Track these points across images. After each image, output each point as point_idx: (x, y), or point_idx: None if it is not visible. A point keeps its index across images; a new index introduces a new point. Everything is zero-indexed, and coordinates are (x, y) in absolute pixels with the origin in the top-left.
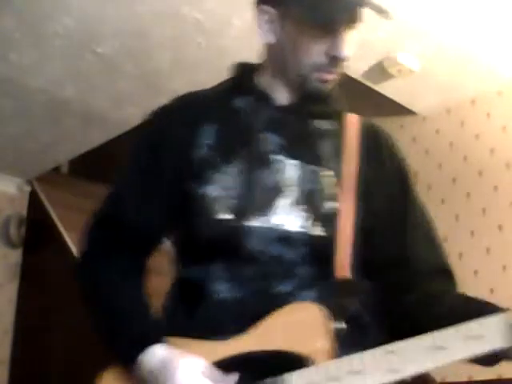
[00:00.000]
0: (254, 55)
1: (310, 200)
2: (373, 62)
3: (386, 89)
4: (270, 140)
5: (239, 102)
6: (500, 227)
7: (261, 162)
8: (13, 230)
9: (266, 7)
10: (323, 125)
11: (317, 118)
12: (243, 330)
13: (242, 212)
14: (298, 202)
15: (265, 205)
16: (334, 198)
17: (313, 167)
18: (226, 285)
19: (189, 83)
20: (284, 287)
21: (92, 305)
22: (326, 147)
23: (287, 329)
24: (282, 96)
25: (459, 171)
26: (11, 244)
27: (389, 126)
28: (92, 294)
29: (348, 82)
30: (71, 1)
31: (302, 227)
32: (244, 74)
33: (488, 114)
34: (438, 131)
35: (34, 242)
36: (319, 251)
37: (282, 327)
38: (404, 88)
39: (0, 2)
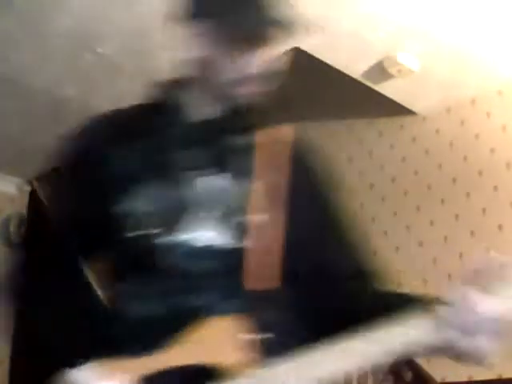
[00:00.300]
0: None
1: (228, 214)
2: (373, 61)
3: (386, 89)
4: (189, 156)
5: (158, 120)
6: (500, 227)
7: (178, 178)
8: (13, 230)
9: (194, 21)
10: (243, 139)
11: (237, 133)
12: (163, 346)
13: (157, 228)
14: (214, 216)
15: (180, 220)
16: (250, 212)
17: (230, 181)
18: (143, 302)
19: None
20: (201, 301)
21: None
22: (245, 162)
23: (205, 342)
24: (201, 111)
25: (459, 171)
26: (11, 244)
27: (389, 126)
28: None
29: (348, 82)
30: (71, 1)
31: (220, 241)
32: (165, 91)
33: (488, 114)
34: (438, 131)
35: (33, 242)
36: (236, 264)
37: (200, 340)
38: (404, 88)
39: (0, 2)
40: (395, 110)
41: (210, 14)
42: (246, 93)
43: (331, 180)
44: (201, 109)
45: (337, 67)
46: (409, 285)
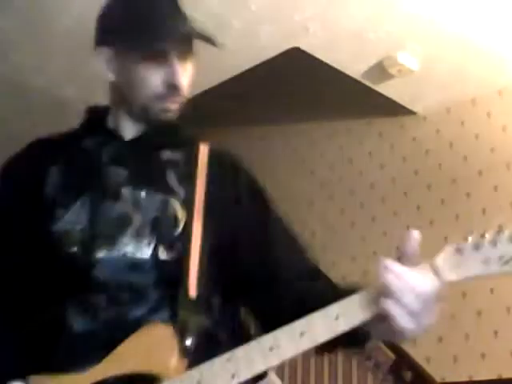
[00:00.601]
0: (253, 55)
1: (157, 227)
2: (373, 61)
3: (386, 89)
4: (116, 173)
5: (88, 142)
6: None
7: (107, 194)
8: None
9: (101, 48)
10: (170, 155)
11: (164, 149)
12: (102, 357)
13: (88, 244)
14: (144, 231)
15: (112, 235)
16: (179, 225)
17: (159, 196)
18: (80, 318)
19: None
20: (136, 312)
21: None
22: (173, 176)
23: (138, 351)
24: (129, 131)
25: (459, 171)
26: None
27: (389, 126)
28: None
29: (348, 82)
30: (71, 1)
31: (149, 254)
32: (93, 115)
33: (488, 114)
34: (438, 131)
35: None
36: (167, 275)
37: (134, 350)
38: (404, 88)
39: (0, 2)
40: (395, 110)
41: (110, 39)
42: (167, 107)
43: (260, 187)
44: (128, 129)
45: (337, 67)
46: None
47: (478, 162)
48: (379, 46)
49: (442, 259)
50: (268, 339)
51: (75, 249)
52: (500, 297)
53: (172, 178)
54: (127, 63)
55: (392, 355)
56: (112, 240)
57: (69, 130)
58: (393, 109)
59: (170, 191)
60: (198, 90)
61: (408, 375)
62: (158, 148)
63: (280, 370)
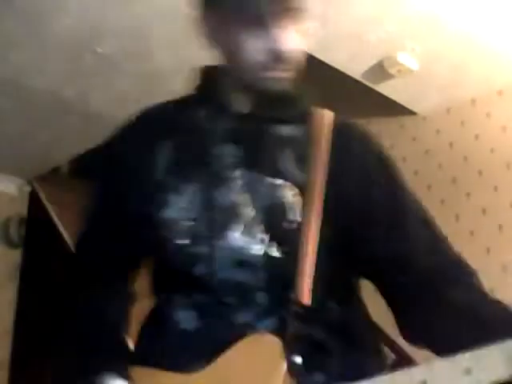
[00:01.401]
0: None
1: (269, 218)
2: (373, 61)
3: (386, 89)
4: (228, 153)
5: (200, 114)
6: (500, 227)
7: (217, 179)
8: (13, 230)
9: (205, 15)
10: (289, 130)
11: (279, 123)
12: (204, 361)
13: (198, 236)
14: (256, 224)
15: (223, 228)
16: (295, 215)
17: (273, 180)
18: (187, 314)
19: (188, 83)
20: (243, 316)
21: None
22: (291, 156)
23: (242, 365)
24: (241, 103)
25: (459, 171)
26: (11, 244)
27: (389, 126)
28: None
29: (348, 82)
30: (71, 1)
31: (260, 249)
32: (206, 80)
33: (488, 114)
34: (438, 131)
35: (33, 242)
36: (279, 275)
37: (237, 363)
38: (404, 88)
39: (0, 2)
40: (395, 109)
41: (213, 4)
42: (275, 76)
43: (391, 163)
44: (241, 101)
45: (337, 67)
46: None
47: (478, 162)
48: (379, 46)
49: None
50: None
51: (186, 241)
52: (500, 297)
53: (290, 159)
54: (230, 30)
55: (392, 355)
56: (223, 232)
57: (178, 98)
58: (393, 109)
59: (286, 175)
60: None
61: None
62: (275, 123)
63: None
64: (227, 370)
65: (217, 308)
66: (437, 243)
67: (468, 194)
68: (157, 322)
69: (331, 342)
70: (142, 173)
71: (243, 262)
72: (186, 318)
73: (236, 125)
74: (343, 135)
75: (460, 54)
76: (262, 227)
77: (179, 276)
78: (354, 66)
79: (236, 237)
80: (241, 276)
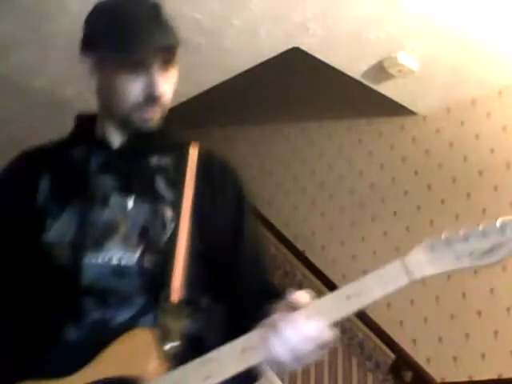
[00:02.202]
0: (253, 55)
1: (145, 235)
2: (373, 62)
3: (386, 89)
4: (105, 182)
5: (76, 152)
6: None
7: (94, 202)
8: None
9: (83, 57)
10: (158, 160)
11: (153, 154)
12: (84, 362)
13: (76, 251)
14: (132, 238)
15: (99, 241)
16: (167, 231)
17: (148, 204)
18: (70, 323)
19: (188, 83)
20: (122, 316)
21: None
22: (161, 182)
23: (121, 355)
24: (116, 138)
25: (459, 171)
26: None
27: (389, 126)
28: None
29: (348, 82)
30: (71, 1)
31: (135, 261)
32: (82, 124)
33: (488, 114)
34: (438, 131)
35: None
36: (152, 281)
37: (117, 354)
38: (404, 88)
39: (1, 2)
40: (395, 110)
41: (92, 47)
42: (148, 116)
43: (244, 191)
44: (115, 136)
45: (337, 67)
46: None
47: (478, 162)
48: (379, 45)
49: (414, 256)
50: (241, 341)
51: (66, 257)
52: (500, 297)
53: (161, 184)
54: (108, 71)
55: (392, 355)
56: (99, 246)
57: (57, 139)
58: (393, 109)
59: (158, 198)
60: (198, 90)
61: (408, 375)
62: (146, 154)
63: None
64: (106, 363)
65: (97, 311)
66: (259, 263)
67: (468, 194)
68: (40, 337)
69: (206, 334)
70: (23, 203)
71: (120, 271)
72: (69, 327)
73: (111, 158)
74: (205, 162)
75: (460, 54)
76: (136, 242)
77: (62, 289)
78: (354, 66)
79: (111, 249)
80: (117, 283)
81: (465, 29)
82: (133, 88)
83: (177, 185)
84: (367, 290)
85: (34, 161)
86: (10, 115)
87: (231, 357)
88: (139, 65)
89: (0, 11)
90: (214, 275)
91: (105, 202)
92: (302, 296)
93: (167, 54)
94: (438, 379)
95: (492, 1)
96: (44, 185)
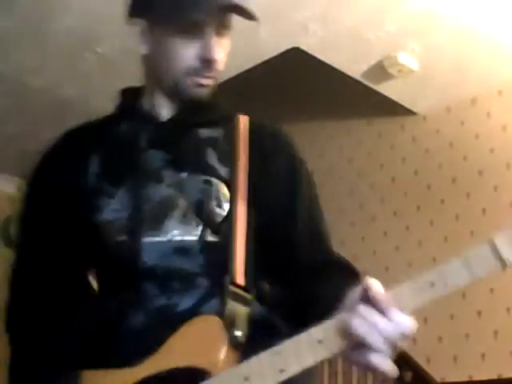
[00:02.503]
0: (253, 55)
1: (201, 209)
2: (373, 62)
3: (386, 89)
4: (156, 157)
5: (123, 127)
6: (500, 227)
7: (148, 179)
8: (13, 230)
9: (134, 19)
10: (209, 133)
11: (201, 127)
12: (151, 351)
13: (135, 231)
14: (189, 213)
15: (157, 220)
16: (223, 206)
17: (201, 177)
18: (133, 309)
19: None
20: (187, 302)
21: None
22: (213, 155)
23: (187, 345)
24: (165, 111)
25: (459, 171)
26: (11, 244)
27: (389, 126)
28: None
29: (348, 82)
30: (71, 1)
31: (197, 237)
32: (127, 98)
33: (488, 114)
34: (438, 131)
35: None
36: (216, 259)
37: (183, 344)
38: (404, 88)
39: (1, 2)
40: (395, 109)
41: (146, 10)
42: (202, 82)
43: (301, 165)
44: (163, 108)
45: (337, 67)
46: None
47: (478, 161)
48: (379, 46)
49: (504, 238)
50: (317, 331)
51: (124, 237)
52: (500, 297)
53: (213, 157)
54: (162, 35)
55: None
56: (158, 224)
57: (103, 116)
58: (393, 109)
59: (211, 171)
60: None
61: (408, 375)
62: (196, 126)
63: None
64: (174, 352)
65: (161, 297)
66: (322, 243)
67: (468, 194)
68: (104, 322)
69: (272, 317)
70: (73, 184)
71: (182, 249)
72: (132, 314)
73: (160, 132)
74: (257, 134)
75: (460, 54)
76: (195, 217)
77: (123, 272)
78: (354, 66)
79: (171, 227)
80: (180, 262)
81: (465, 29)
82: (188, 52)
83: (229, 158)
84: (453, 275)
85: (81, 140)
86: (10, 115)
87: (308, 348)
88: (195, 27)
89: (0, 11)
90: (273, 255)
91: (159, 178)
92: (377, 284)
93: (224, 18)
94: (438, 379)
95: (492, 1)
96: (94, 164)
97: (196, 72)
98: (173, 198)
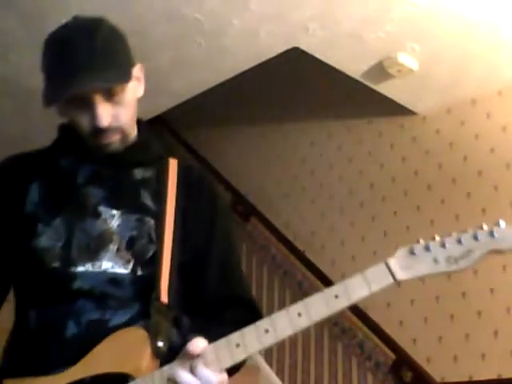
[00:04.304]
0: (253, 55)
1: (132, 245)
2: (373, 62)
3: (386, 89)
4: (93, 193)
5: (64, 162)
6: None
7: (85, 213)
8: None
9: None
10: (142, 173)
11: (135, 167)
12: (77, 359)
13: (69, 259)
14: (122, 248)
15: (93, 251)
16: (152, 242)
17: (134, 215)
18: (66, 321)
19: (189, 83)
20: (119, 319)
21: None
22: (146, 194)
23: (113, 352)
24: (96, 154)
25: (459, 171)
26: None
27: (389, 126)
28: None
29: (348, 82)
30: (71, 1)
31: (127, 269)
32: (67, 134)
33: (488, 114)
34: (438, 131)
35: None
36: (143, 288)
37: (109, 351)
38: (404, 88)
39: (1, 2)
40: (395, 110)
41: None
42: (102, 144)
43: (220, 202)
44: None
45: (337, 67)
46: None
47: (478, 162)
48: (379, 46)
49: (396, 259)
50: (235, 336)
51: (57, 264)
52: (500, 297)
53: (146, 196)
54: (61, 105)
55: (392, 355)
56: (94, 255)
57: (44, 147)
58: (393, 109)
59: (144, 210)
60: (199, 90)
61: (408, 375)
62: (131, 166)
63: (280, 370)
64: (100, 359)
65: (95, 312)
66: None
67: (468, 194)
68: (28, 334)
69: (179, 336)
70: (10, 209)
71: (114, 279)
72: (65, 327)
73: (97, 170)
74: (185, 175)
75: (460, 54)
76: (127, 253)
77: (52, 293)
78: (354, 66)
79: (106, 259)
80: (114, 290)
81: (465, 29)
82: (81, 121)
83: (160, 197)
84: (351, 290)
85: (24, 166)
86: (10, 115)
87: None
88: (81, 100)
89: (0, 11)
90: (188, 288)
91: (96, 213)
92: (199, 341)
93: (107, 89)
94: (438, 379)
95: (492, 1)
96: (34, 191)
97: (95, 135)
98: (109, 234)
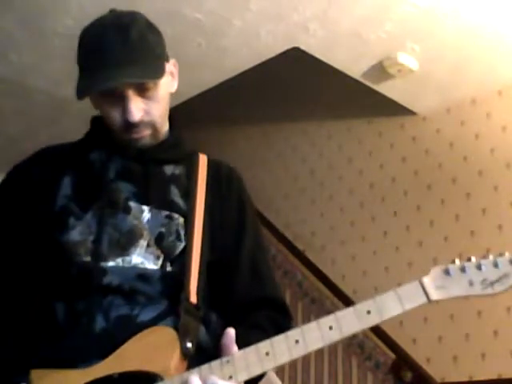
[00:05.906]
0: (253, 55)
1: (162, 242)
2: (373, 61)
3: (386, 89)
4: (124, 188)
5: (95, 156)
6: (500, 227)
7: (116, 208)
8: None
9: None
10: (172, 169)
11: (167, 164)
12: (106, 356)
13: (100, 254)
14: (151, 244)
15: (123, 247)
16: (180, 240)
17: (163, 212)
18: (95, 315)
19: (189, 83)
20: (147, 315)
21: None
22: (176, 191)
23: (142, 351)
24: (127, 149)
25: (459, 171)
26: None
27: (389, 126)
28: None
29: (348, 82)
30: (71, 1)
31: (157, 265)
32: (99, 127)
33: (488, 114)
34: (438, 131)
35: None
36: (172, 285)
37: (138, 349)
38: (404, 88)
39: (0, 2)
40: (395, 110)
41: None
42: (133, 137)
43: (247, 200)
44: (124, 147)
45: (337, 67)
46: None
47: (478, 162)
48: (379, 45)
49: (430, 279)
50: (265, 345)
51: (88, 258)
52: (500, 297)
53: (175, 193)
54: (94, 97)
55: (392, 355)
56: (124, 251)
57: (76, 141)
58: (393, 109)
59: (173, 207)
60: (199, 90)
61: (408, 375)
62: (161, 163)
63: (280, 370)
64: (128, 356)
65: (123, 307)
66: (261, 282)
67: (468, 194)
68: (57, 325)
69: (208, 338)
70: (43, 201)
71: (143, 275)
72: (94, 320)
73: (127, 165)
74: (214, 172)
75: (460, 53)
76: (156, 249)
77: (81, 286)
78: (354, 66)
79: (136, 254)
80: (142, 286)
81: (465, 29)
82: (113, 115)
83: (189, 194)
84: (384, 307)
85: (56, 159)
86: (10, 115)
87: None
88: (113, 94)
89: (0, 11)
90: (217, 287)
91: (126, 208)
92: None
93: (139, 84)
94: (438, 379)
95: (491, 1)
96: (66, 184)
97: (126, 130)
98: (139, 229)
